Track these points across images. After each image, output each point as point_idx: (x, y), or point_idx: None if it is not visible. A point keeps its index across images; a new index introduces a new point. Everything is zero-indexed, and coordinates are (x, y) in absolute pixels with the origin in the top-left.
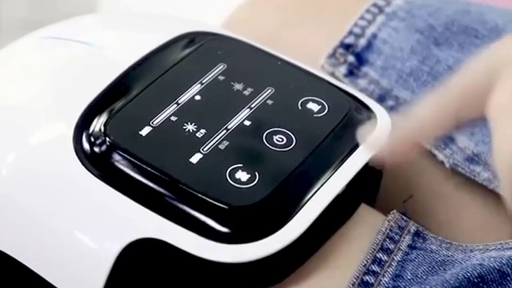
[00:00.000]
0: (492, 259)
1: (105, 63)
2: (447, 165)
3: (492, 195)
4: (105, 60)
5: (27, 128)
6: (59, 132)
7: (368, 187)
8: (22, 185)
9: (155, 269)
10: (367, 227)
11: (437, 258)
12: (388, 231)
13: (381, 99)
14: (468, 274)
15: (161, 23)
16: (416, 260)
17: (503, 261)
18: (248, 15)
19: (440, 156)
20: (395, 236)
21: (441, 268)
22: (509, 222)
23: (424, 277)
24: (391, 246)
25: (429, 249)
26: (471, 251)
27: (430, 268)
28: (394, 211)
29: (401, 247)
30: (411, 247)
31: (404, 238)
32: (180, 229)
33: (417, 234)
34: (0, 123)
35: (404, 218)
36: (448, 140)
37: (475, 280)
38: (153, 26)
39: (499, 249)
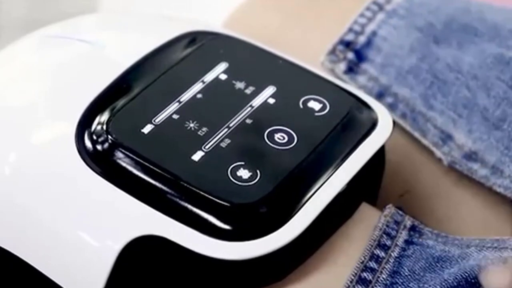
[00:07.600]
0: (489, 260)
1: (107, 62)
2: (445, 162)
3: (490, 192)
4: (107, 58)
5: (29, 127)
6: (61, 130)
7: (369, 185)
8: (25, 183)
9: (157, 267)
10: (367, 225)
11: (434, 254)
12: (384, 226)
13: (380, 96)
14: (466, 275)
15: (162, 22)
16: (413, 256)
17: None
18: (248, 15)
19: (438, 153)
20: (391, 231)
21: (437, 264)
22: (507, 219)
23: (422, 273)
24: (388, 242)
25: (425, 244)
26: (468, 246)
27: (427, 265)
28: (390, 205)
29: (398, 243)
30: (408, 242)
31: (401, 233)
32: (182, 226)
33: (413, 228)
34: (2, 122)
35: (400, 212)
36: (446, 137)
37: (473, 280)
38: (155, 25)
39: (495, 247)
